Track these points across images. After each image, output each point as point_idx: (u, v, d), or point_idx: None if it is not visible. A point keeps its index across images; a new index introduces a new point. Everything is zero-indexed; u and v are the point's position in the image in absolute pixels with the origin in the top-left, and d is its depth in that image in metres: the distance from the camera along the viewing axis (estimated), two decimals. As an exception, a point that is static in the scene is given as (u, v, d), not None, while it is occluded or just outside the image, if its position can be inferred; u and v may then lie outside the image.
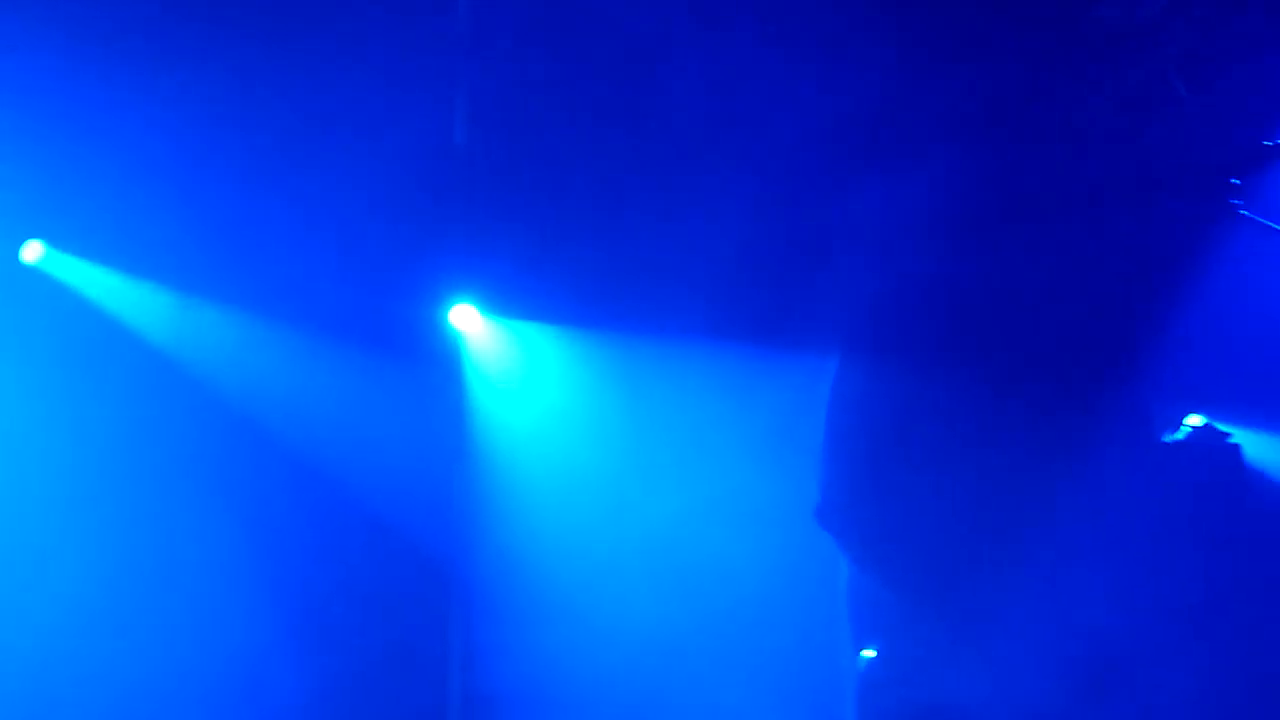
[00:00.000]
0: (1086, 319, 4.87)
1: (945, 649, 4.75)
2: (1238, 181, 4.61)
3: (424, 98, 6.76)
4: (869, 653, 4.89)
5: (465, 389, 7.08)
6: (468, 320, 7.23)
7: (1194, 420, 5.26)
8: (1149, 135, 5.31)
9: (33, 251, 6.78)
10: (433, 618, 6.92)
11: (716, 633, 6.23)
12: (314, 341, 6.88)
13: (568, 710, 6.55)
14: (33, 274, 6.77)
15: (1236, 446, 5.19)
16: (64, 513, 6.67)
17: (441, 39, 6.77)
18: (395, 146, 6.67)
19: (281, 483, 6.83)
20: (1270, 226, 4.57)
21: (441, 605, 6.97)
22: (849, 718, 5.04)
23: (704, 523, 6.42)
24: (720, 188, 6.08)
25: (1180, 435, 5.16)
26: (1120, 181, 4.98)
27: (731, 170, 6.03)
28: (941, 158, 5.24)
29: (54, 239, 6.79)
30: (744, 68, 6.01)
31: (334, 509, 6.82)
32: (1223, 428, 5.20)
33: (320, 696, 6.69)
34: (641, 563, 6.52)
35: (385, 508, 6.80)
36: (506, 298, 7.10)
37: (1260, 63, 5.08)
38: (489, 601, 6.82)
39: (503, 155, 6.82)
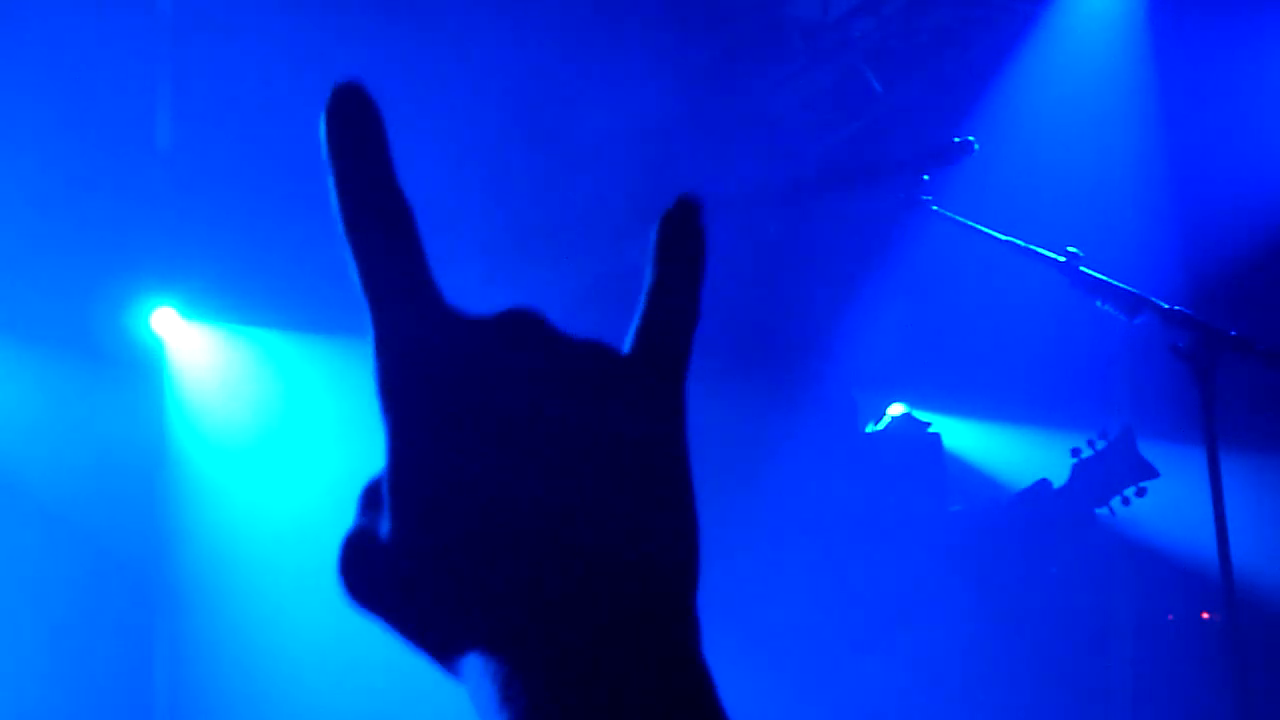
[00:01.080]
0: (783, 316, 4.88)
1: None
2: (928, 177, 4.67)
3: (124, 94, 6.51)
4: None
5: (166, 395, 6.87)
6: (169, 324, 7.02)
7: (895, 409, 5.36)
8: (842, 132, 5.37)
9: None
10: (134, 628, 6.70)
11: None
12: (2, 349, 6.61)
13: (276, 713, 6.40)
14: None
15: (936, 435, 5.33)
16: None
17: (143, 31, 6.53)
18: (90, 142, 6.41)
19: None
20: (959, 221, 4.64)
21: (143, 616, 6.75)
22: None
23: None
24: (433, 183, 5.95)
25: (881, 425, 5.24)
26: (814, 177, 5.02)
27: (450, 166, 5.92)
28: (625, 156, 5.19)
29: None
30: (443, 69, 5.90)
31: (26, 519, 6.55)
32: (922, 416, 5.33)
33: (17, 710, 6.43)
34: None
35: (81, 517, 6.55)
36: (210, 300, 6.90)
37: (951, 59, 5.16)
38: (191, 611, 6.62)
39: (207, 153, 6.61)
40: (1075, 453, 4.90)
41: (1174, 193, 6.31)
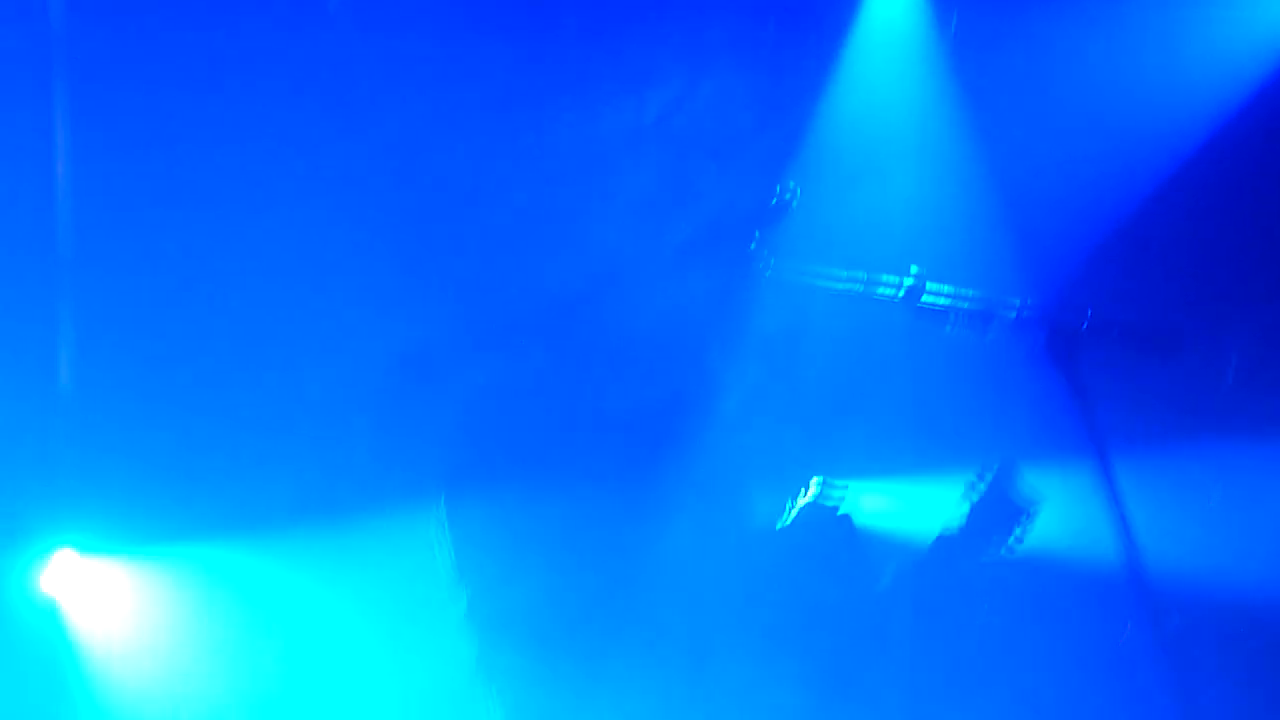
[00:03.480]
0: (644, 407, 4.79)
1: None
2: (755, 242, 4.62)
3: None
4: None
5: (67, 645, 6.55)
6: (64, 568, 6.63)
7: (810, 490, 5.12)
8: (678, 213, 5.30)
9: None
10: None
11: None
12: None
13: None
14: None
15: (846, 517, 5.09)
16: None
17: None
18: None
19: None
20: (798, 278, 4.60)
21: None
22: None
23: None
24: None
25: (789, 518, 5.04)
26: (652, 260, 4.95)
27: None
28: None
29: None
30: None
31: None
32: (830, 502, 5.08)
33: None
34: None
35: None
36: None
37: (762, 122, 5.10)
38: None
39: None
40: (966, 496, 4.76)
41: (1003, 194, 6.32)
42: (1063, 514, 4.77)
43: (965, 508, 4.66)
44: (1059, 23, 6.56)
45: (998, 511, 4.59)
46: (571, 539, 4.59)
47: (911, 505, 5.82)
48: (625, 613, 4.52)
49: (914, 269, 4.55)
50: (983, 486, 4.60)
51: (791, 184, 4.66)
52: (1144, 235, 6.47)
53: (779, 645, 4.55)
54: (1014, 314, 4.47)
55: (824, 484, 4.95)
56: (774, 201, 4.56)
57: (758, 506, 4.79)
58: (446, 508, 4.67)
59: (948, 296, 4.52)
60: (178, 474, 6.25)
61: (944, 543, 4.71)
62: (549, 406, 4.73)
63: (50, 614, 6.47)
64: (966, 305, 4.49)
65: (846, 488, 4.99)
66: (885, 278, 4.60)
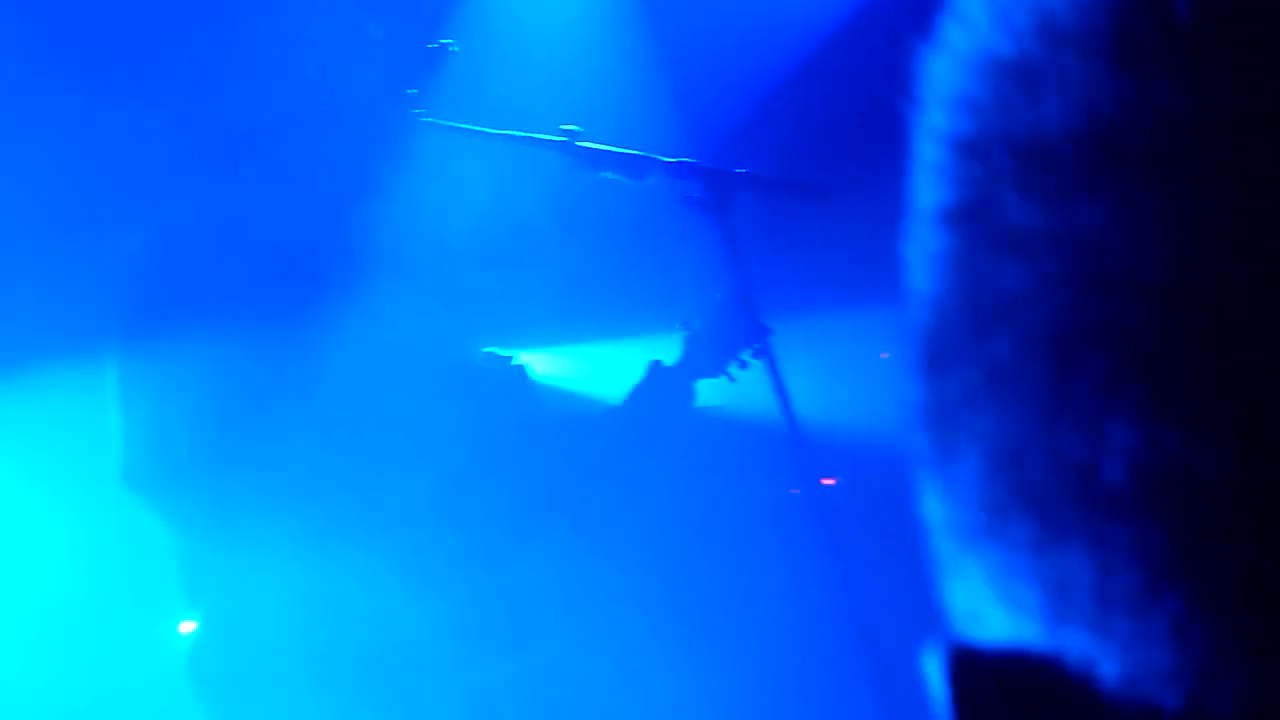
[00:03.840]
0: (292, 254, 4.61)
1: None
2: (415, 90, 4.53)
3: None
4: (189, 624, 4.55)
5: None
6: None
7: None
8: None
9: None
10: None
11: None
12: None
13: None
14: None
15: (520, 366, 4.99)
16: None
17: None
18: None
19: None
20: (451, 126, 4.53)
21: None
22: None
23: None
24: None
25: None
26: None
27: None
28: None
29: None
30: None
31: None
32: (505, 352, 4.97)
33: None
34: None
35: None
36: None
37: None
38: None
39: None
40: (685, 324, 4.64)
41: (656, 44, 6.31)
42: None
43: (689, 333, 4.55)
44: None
45: (725, 334, 4.51)
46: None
47: (586, 363, 5.80)
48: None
49: (571, 123, 4.53)
50: (709, 312, 4.52)
51: (451, 38, 4.55)
52: (806, 95, 6.42)
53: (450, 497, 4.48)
54: (670, 162, 4.47)
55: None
56: (432, 46, 4.44)
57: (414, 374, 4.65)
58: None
59: (605, 144, 4.50)
60: None
61: (659, 370, 4.59)
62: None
63: None
64: (625, 153, 4.49)
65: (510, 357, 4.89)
66: (542, 129, 4.58)
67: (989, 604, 0.67)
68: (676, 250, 5.34)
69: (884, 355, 5.74)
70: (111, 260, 4.63)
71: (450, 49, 4.52)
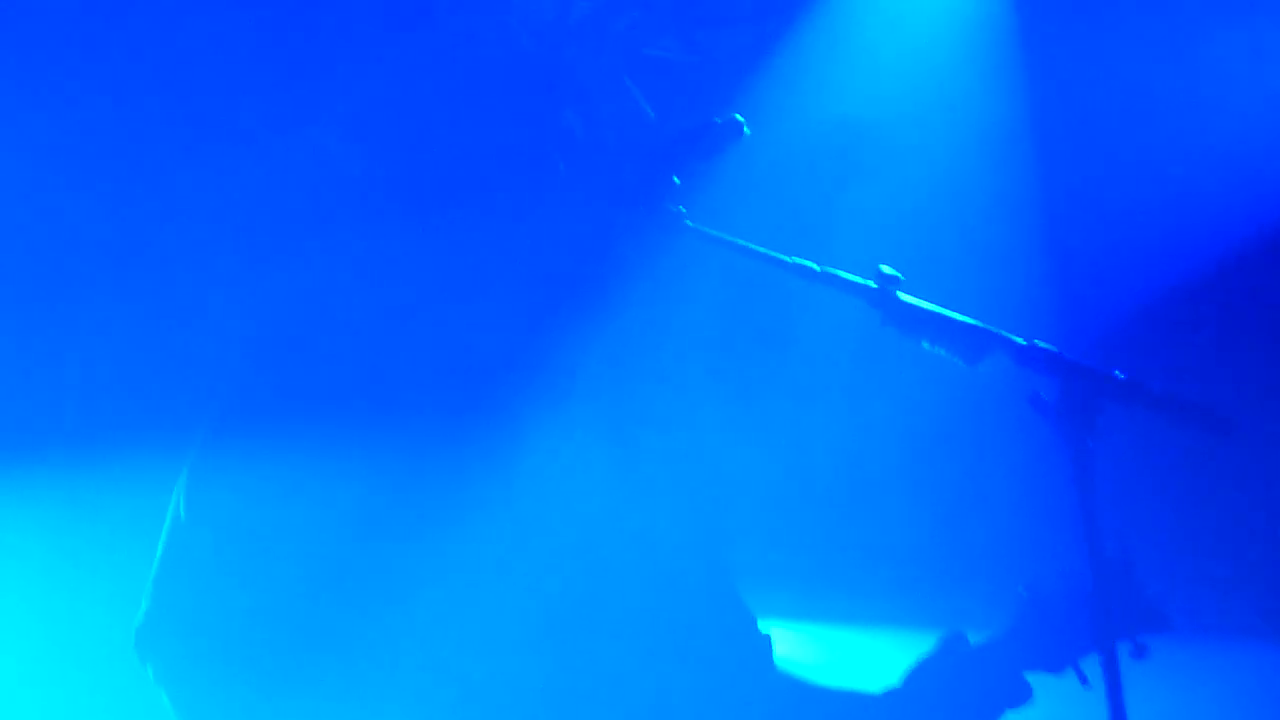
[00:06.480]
0: (522, 340, 3.57)
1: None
2: (679, 181, 3.46)
3: None
4: None
5: None
6: None
7: None
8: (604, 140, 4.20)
9: None
10: None
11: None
12: None
13: None
14: None
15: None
16: None
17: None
18: None
19: None
20: (721, 239, 3.43)
21: None
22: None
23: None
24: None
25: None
26: (555, 188, 3.83)
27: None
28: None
29: None
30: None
31: None
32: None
33: None
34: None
35: None
36: None
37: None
38: None
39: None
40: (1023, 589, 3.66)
41: (1036, 194, 5.21)
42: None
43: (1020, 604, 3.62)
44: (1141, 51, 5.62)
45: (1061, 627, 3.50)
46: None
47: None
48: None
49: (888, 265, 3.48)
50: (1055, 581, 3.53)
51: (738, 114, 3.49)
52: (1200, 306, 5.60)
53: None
54: (1020, 345, 3.42)
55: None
56: (718, 120, 3.37)
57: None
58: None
59: (934, 303, 3.45)
60: None
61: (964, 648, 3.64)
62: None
63: None
64: (960, 320, 3.42)
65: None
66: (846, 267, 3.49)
67: None
68: (1009, 469, 4.21)
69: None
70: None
71: (741, 127, 3.43)
